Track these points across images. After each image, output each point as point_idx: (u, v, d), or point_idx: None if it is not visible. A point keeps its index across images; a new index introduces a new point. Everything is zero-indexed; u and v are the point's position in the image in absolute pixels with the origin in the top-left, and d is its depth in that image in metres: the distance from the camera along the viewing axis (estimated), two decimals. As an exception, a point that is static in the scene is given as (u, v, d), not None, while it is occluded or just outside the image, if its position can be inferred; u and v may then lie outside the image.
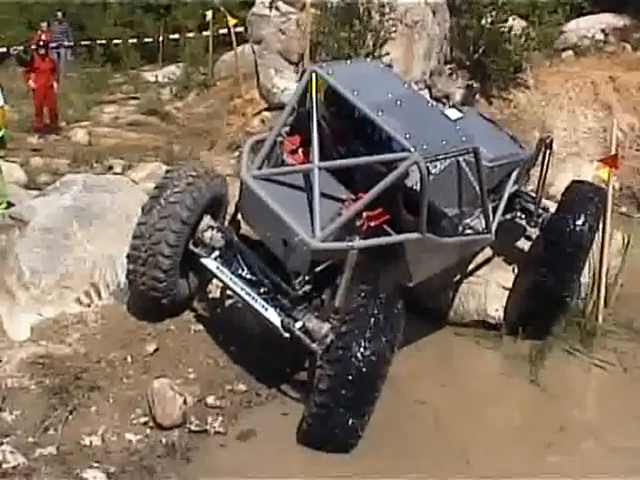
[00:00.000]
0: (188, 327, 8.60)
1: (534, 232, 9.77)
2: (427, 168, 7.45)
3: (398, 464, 7.21)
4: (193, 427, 7.41)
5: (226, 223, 8.53)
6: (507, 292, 9.68)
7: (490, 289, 9.71)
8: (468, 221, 8.68)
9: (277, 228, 7.48)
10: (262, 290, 7.85)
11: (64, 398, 7.38)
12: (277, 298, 7.76)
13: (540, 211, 9.73)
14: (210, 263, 8.07)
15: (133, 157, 14.84)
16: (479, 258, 9.80)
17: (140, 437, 7.20)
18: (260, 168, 7.90)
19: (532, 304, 9.29)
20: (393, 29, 14.68)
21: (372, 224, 7.72)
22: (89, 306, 8.60)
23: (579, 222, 9.00)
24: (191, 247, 8.18)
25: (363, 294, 7.27)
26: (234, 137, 16.01)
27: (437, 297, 9.80)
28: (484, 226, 8.68)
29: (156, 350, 8.20)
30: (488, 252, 9.82)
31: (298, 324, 7.61)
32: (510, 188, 9.32)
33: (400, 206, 7.78)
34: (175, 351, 8.28)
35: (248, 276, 7.96)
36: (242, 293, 7.87)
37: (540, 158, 9.81)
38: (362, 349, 6.92)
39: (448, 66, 15.68)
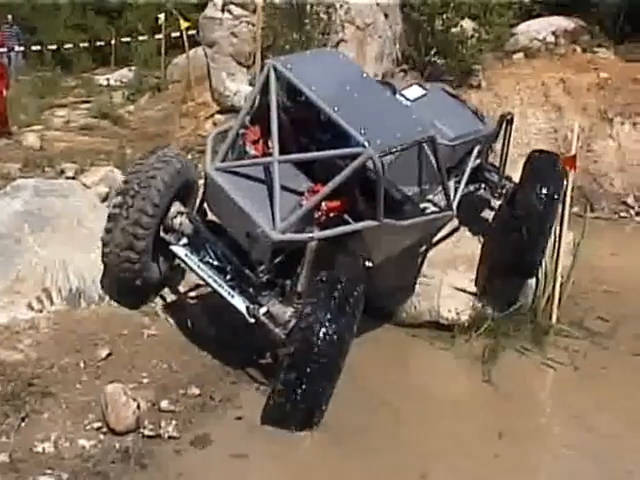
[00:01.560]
0: (141, 331, 8.53)
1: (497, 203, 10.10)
2: (382, 162, 7.60)
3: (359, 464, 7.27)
4: (147, 432, 7.33)
5: (195, 211, 8.60)
6: (460, 293, 9.74)
7: (443, 290, 9.74)
8: (430, 197, 8.93)
9: (240, 219, 7.70)
10: (228, 277, 8.05)
11: (16, 405, 7.27)
12: (242, 285, 7.95)
13: (504, 182, 10.00)
14: (179, 250, 8.25)
15: (85, 161, 14.71)
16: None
17: (93, 443, 7.11)
18: (223, 160, 8.05)
19: (499, 273, 9.61)
20: (343, 31, 14.74)
21: (331, 214, 7.89)
22: (41, 311, 8.49)
23: (543, 190, 9.24)
24: (161, 233, 8.34)
25: (324, 278, 7.48)
26: (187, 140, 16.02)
27: (390, 298, 9.83)
28: (445, 204, 8.90)
29: (109, 355, 8.11)
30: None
31: (262, 309, 7.81)
32: (472, 163, 9.58)
33: (358, 196, 7.96)
34: (128, 356, 8.20)
35: (215, 263, 8.13)
36: (209, 280, 8.05)
37: (502, 133, 10.09)
38: (324, 329, 7.13)
39: (400, 67, 15.79)
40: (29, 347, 8.04)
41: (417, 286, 9.83)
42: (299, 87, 8.01)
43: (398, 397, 8.32)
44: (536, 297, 9.89)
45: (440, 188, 8.86)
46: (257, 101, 8.36)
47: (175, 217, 8.39)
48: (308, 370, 7.19)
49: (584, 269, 10.39)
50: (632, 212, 14.24)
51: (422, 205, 8.85)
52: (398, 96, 9.47)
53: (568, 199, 9.70)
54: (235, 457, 7.22)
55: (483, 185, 10.14)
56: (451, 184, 9.20)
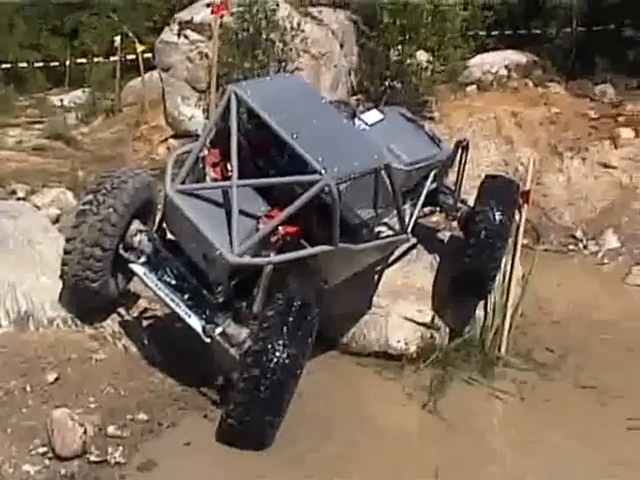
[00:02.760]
0: (90, 356, 8.46)
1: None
2: (338, 189, 7.72)
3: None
4: (93, 457, 7.29)
5: (154, 230, 8.63)
6: (409, 323, 9.79)
7: (392, 320, 9.79)
8: (386, 220, 9.08)
9: (198, 241, 7.79)
10: (186, 297, 8.13)
11: (-39, 428, 7.25)
12: (199, 305, 8.05)
13: (459, 205, 10.17)
14: (138, 268, 8.31)
15: (37, 182, 14.62)
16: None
17: (39, 468, 7.04)
18: (184, 182, 8.11)
19: (454, 291, 9.78)
20: (299, 59, 14.82)
21: (288, 238, 7.99)
22: (-12, 334, 8.45)
23: (497, 212, 9.42)
24: (121, 251, 8.37)
25: (280, 302, 7.65)
26: (140, 164, 15.96)
27: (338, 327, 9.88)
28: (400, 228, 9.05)
29: (57, 379, 8.04)
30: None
31: (218, 330, 7.90)
32: (428, 187, 9.75)
33: (314, 221, 8.09)
34: (76, 380, 8.12)
35: (173, 282, 8.21)
36: (167, 299, 8.12)
37: (458, 158, 10.24)
38: (278, 352, 7.30)
39: (355, 97, 15.89)
40: (-25, 370, 7.97)
41: (366, 315, 9.88)
42: (258, 113, 8.11)
43: (344, 426, 8.36)
44: (485, 328, 9.97)
45: (395, 213, 8.97)
46: (218, 125, 8.44)
47: (135, 235, 8.43)
48: (261, 391, 7.31)
49: (532, 301, 10.51)
50: (580, 245, 14.37)
51: (377, 229, 8.99)
52: (357, 120, 9.67)
53: (520, 233, 9.83)
54: (181, 483, 7.23)
55: (438, 208, 10.33)
56: (407, 207, 9.39)
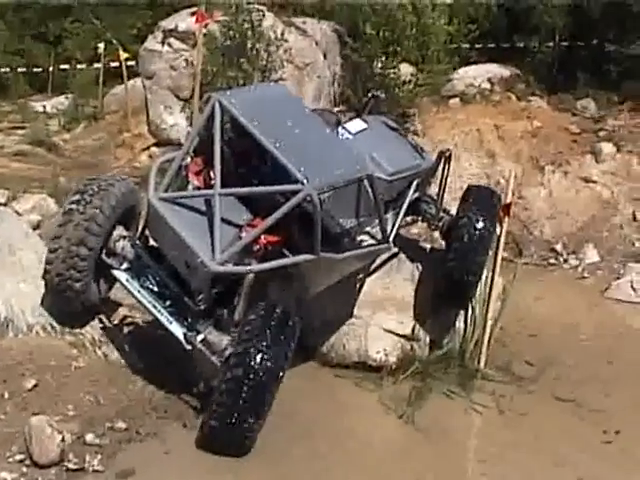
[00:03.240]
0: (69, 363, 8.43)
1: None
2: (319, 199, 7.78)
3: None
4: (71, 465, 7.26)
5: (137, 236, 8.65)
6: (389, 334, 9.80)
7: (371, 331, 9.79)
8: (368, 229, 9.14)
9: (180, 249, 7.84)
10: (167, 303, 8.19)
11: (-63, 434, 7.21)
12: (181, 312, 8.12)
13: (441, 214, 10.25)
14: (120, 275, 8.37)
15: (18, 188, 14.57)
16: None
17: (16, 475, 7.01)
18: (167, 190, 8.16)
19: (436, 299, 9.91)
20: (282, 69, 14.84)
21: (269, 247, 8.06)
22: (-33, 340, 8.42)
23: (479, 222, 9.52)
24: (103, 257, 8.43)
25: (261, 309, 7.75)
26: (121, 171, 15.88)
27: (317, 337, 9.88)
28: (382, 237, 9.09)
29: (35, 386, 8.02)
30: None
31: (200, 337, 7.97)
32: (411, 196, 9.81)
33: (296, 230, 8.15)
34: (55, 387, 8.11)
35: (155, 289, 8.27)
36: (149, 306, 8.19)
37: (440, 169, 10.25)
38: (259, 356, 7.41)
39: (337, 108, 15.90)
40: (-47, 376, 7.94)
41: (346, 326, 9.88)
42: (242, 123, 8.16)
43: (322, 436, 8.38)
44: (464, 340, 10.00)
45: (377, 222, 9.03)
46: (201, 133, 8.49)
47: (118, 241, 8.49)
48: (243, 396, 7.40)
49: (512, 313, 10.54)
50: (561, 259, 14.42)
51: (359, 237, 9.05)
52: (340, 129, 9.75)
53: (501, 245, 9.87)
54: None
55: (421, 217, 10.40)
56: (389, 216, 9.45)
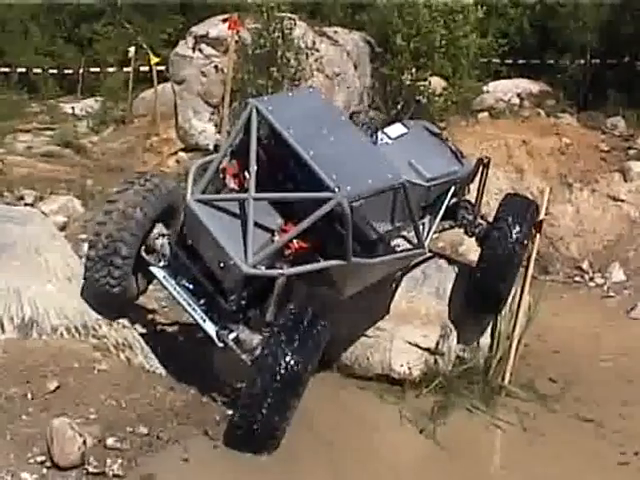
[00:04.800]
0: (92, 366, 8.41)
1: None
2: (351, 207, 7.85)
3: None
4: (91, 469, 7.23)
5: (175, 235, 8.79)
6: (413, 347, 9.76)
7: (395, 344, 9.76)
8: (404, 234, 9.21)
9: (214, 250, 7.99)
10: (202, 302, 8.35)
11: (-42, 433, 7.21)
12: (214, 311, 8.28)
13: (478, 221, 10.34)
14: (157, 272, 8.56)
15: (45, 189, 14.68)
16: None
17: (36, 477, 6.99)
18: (204, 191, 8.33)
19: (469, 304, 9.97)
20: (312, 79, 14.86)
21: (301, 252, 8.15)
22: (-9, 339, 8.42)
23: (515, 230, 9.57)
24: (142, 253, 8.63)
25: (291, 311, 7.95)
26: (149, 176, 15.97)
27: (342, 348, 9.88)
28: (417, 242, 9.17)
29: (58, 388, 7.99)
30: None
31: (232, 335, 8.15)
32: (448, 202, 9.88)
33: (327, 236, 8.22)
34: (77, 390, 8.08)
35: (190, 287, 8.42)
36: (184, 303, 8.37)
37: (478, 176, 10.38)
38: (286, 358, 7.57)
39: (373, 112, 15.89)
40: (-24, 375, 7.94)
41: (370, 339, 9.86)
42: (277, 129, 8.27)
43: (342, 448, 8.35)
44: (489, 356, 9.97)
45: (421, 223, 9.24)
46: (239, 138, 8.63)
47: (157, 238, 8.70)
48: (269, 395, 7.57)
49: (536, 331, 10.51)
50: (586, 277, 14.38)
51: (394, 242, 9.13)
52: (380, 133, 9.84)
53: (532, 262, 9.83)
54: (179, 500, 7.20)
55: (458, 223, 10.44)
56: (426, 221, 9.61)
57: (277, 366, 7.57)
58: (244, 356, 8.09)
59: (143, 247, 8.65)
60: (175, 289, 8.43)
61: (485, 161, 10.32)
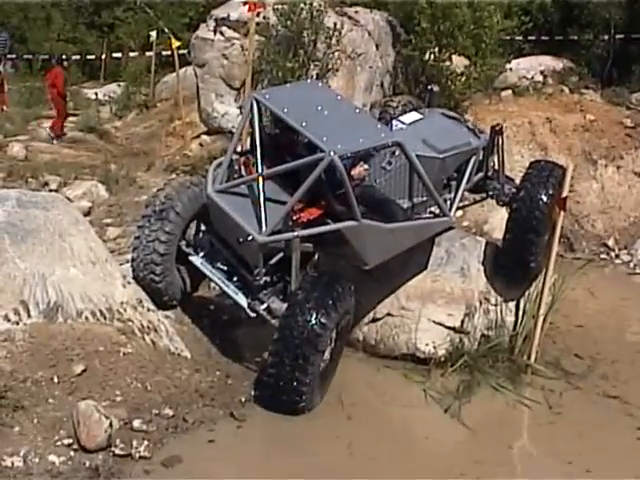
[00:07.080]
0: (117, 349, 8.45)
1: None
2: (344, 165, 8.43)
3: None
4: (118, 451, 7.32)
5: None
6: (438, 327, 9.76)
7: (421, 323, 9.76)
8: (430, 204, 9.73)
9: (233, 229, 8.72)
10: (235, 279, 9.13)
11: (-13, 417, 7.25)
12: (246, 287, 9.01)
13: (506, 188, 10.56)
14: (195, 259, 9.36)
15: (69, 174, 14.71)
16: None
17: (63, 459, 7.08)
18: (221, 183, 9.07)
19: (502, 265, 10.12)
20: (337, 61, 14.81)
21: (311, 217, 8.72)
22: (17, 324, 8.40)
23: (542, 193, 9.67)
24: (182, 246, 9.38)
25: (310, 278, 8.69)
26: (172, 159, 16.02)
27: (367, 328, 9.92)
28: (440, 211, 9.71)
29: (84, 371, 8.05)
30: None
31: (263, 305, 8.84)
32: (470, 172, 10.25)
33: (332, 199, 8.75)
34: (103, 373, 8.13)
35: (225, 269, 9.23)
36: (219, 282, 9.19)
37: (495, 144, 10.58)
38: (305, 314, 8.20)
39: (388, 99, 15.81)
40: (3, 359, 7.96)
41: (396, 318, 9.86)
42: (273, 110, 9.03)
43: (367, 427, 8.41)
44: (514, 335, 9.92)
45: (446, 196, 9.83)
46: (248, 130, 9.48)
47: (195, 234, 9.53)
48: (291, 354, 8.15)
49: (561, 309, 10.47)
50: (612, 254, 14.29)
51: (416, 211, 9.57)
52: (395, 121, 10.39)
53: (556, 240, 9.76)
54: (204, 480, 7.23)
55: (489, 194, 10.71)
56: (450, 192, 10.14)
57: (295, 323, 8.20)
58: (274, 321, 8.61)
59: (183, 241, 9.41)
60: (211, 271, 9.25)
61: (497, 128, 10.52)
